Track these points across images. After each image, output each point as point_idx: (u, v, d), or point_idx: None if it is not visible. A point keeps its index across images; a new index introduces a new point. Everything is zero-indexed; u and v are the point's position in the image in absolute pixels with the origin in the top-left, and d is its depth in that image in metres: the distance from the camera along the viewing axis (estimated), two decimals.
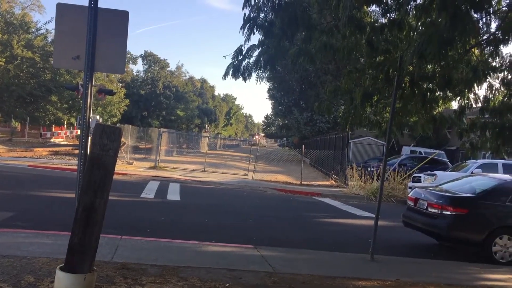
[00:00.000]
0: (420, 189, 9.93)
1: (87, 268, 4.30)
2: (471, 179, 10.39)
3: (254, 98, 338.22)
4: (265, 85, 62.25)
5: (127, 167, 21.60)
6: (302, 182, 22.07)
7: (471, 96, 7.41)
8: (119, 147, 4.52)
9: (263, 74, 7.66)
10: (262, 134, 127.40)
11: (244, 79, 7.00)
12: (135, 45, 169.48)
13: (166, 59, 79.27)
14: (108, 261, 5.65)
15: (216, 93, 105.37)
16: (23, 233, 6.84)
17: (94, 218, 4.33)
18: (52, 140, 38.61)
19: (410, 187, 17.25)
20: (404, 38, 6.94)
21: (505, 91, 7.15)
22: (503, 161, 17.18)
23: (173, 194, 14.31)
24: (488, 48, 7.09)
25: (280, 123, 69.66)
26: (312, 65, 7.39)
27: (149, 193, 13.93)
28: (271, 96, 59.82)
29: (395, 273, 6.78)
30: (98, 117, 35.11)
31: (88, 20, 5.04)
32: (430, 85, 7.42)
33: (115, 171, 4.62)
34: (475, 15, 6.23)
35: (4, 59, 34.40)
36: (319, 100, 9.02)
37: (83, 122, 5.11)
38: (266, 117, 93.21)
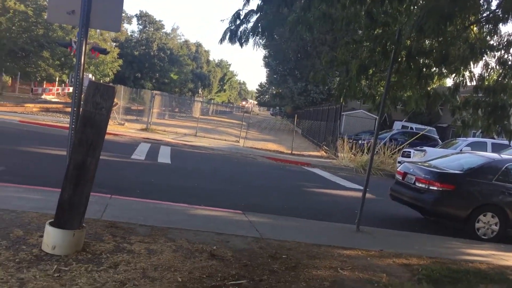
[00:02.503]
0: (409, 164, 10.05)
1: (76, 225, 4.36)
2: (460, 156, 10.51)
3: (249, 66, 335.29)
4: (260, 53, 61.80)
5: (119, 127, 21.52)
6: (293, 152, 22.18)
7: (466, 73, 7.40)
8: (112, 106, 4.50)
9: (260, 41, 7.57)
10: (254, 102, 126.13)
11: (241, 45, 6.90)
12: (131, 4, 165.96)
13: (162, 21, 78.18)
14: (98, 219, 5.70)
15: (211, 58, 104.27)
16: (13, 187, 6.85)
17: (84, 176, 4.35)
18: (43, 96, 38.22)
19: (399, 162, 17.41)
20: (404, 11, 6.86)
21: (501, 70, 7.14)
22: (492, 140, 17.33)
23: (164, 157, 14.34)
24: (487, 26, 7.04)
25: (274, 92, 69.43)
26: (309, 34, 7.31)
27: (140, 154, 13.94)
28: (266, 64, 59.41)
29: (380, 244, 6.92)
30: (90, 75, 34.68)
31: None
32: (427, 61, 7.39)
33: (107, 131, 4.61)
34: None
35: None
36: (314, 70, 8.96)
37: (77, 79, 5.04)
38: (260, 85, 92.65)
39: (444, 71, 7.57)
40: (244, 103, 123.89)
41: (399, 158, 18.60)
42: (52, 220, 4.36)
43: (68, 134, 5.33)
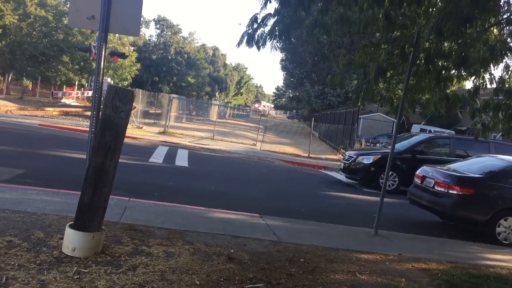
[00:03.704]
0: (428, 167, 9.93)
1: (96, 227, 4.40)
2: (480, 159, 10.34)
3: (266, 69, 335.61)
4: (277, 56, 62.05)
5: (137, 131, 21.74)
6: (310, 155, 22.11)
7: (487, 76, 7.28)
8: (131, 110, 4.55)
9: (277, 44, 7.59)
10: (269, 105, 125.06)
11: (258, 48, 6.91)
12: (149, 9, 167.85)
13: (179, 25, 78.80)
14: (116, 221, 5.76)
15: (228, 62, 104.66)
16: (34, 190, 6.96)
17: (104, 179, 4.40)
18: (62, 100, 38.80)
19: None
20: (423, 13, 6.80)
21: None
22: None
23: (181, 160, 14.42)
24: (507, 27, 6.93)
25: (291, 95, 69.37)
26: (327, 37, 7.30)
27: (157, 157, 14.06)
28: (283, 67, 59.45)
29: (398, 248, 6.86)
30: (109, 79, 35.13)
31: None
32: (446, 63, 7.31)
33: (125, 135, 4.66)
34: None
35: (17, 17, 34.29)
36: (331, 73, 8.97)
37: (96, 83, 5.12)
38: (277, 88, 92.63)
39: (464, 73, 7.47)
40: (256, 105, 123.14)
41: None
42: (72, 222, 4.42)
43: (88, 137, 5.41)
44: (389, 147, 15.69)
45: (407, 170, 13.65)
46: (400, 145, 14.94)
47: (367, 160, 14.19)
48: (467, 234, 9.00)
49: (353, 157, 14.70)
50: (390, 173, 13.86)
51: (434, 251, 7.03)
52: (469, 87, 7.68)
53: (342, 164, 15.25)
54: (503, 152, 13.87)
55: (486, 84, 7.35)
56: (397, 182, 13.88)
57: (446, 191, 8.69)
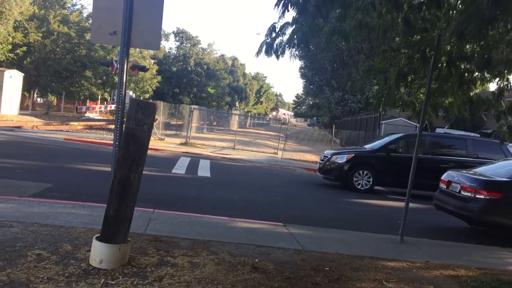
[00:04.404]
0: (453, 172, 9.77)
1: (122, 239, 4.46)
2: (507, 163, 10.13)
3: (285, 77, 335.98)
4: (296, 64, 61.93)
5: (159, 142, 21.96)
6: None
7: (511, 77, 7.18)
8: (153, 122, 4.61)
9: (296, 52, 7.59)
10: (289, 112, 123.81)
11: (277, 57, 6.93)
12: (168, 22, 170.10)
13: (198, 36, 79.68)
14: (142, 233, 5.82)
15: (247, 71, 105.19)
16: (61, 203, 7.08)
17: (129, 191, 4.45)
18: (86, 114, 39.45)
19: None
20: (443, 16, 6.74)
21: None
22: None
23: (204, 170, 14.50)
24: None
25: (311, 102, 69.23)
26: (346, 43, 7.26)
27: (180, 168, 14.16)
28: (303, 75, 59.39)
29: (425, 255, 6.74)
30: (131, 93, 35.62)
31: None
32: (468, 66, 7.21)
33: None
34: None
35: (41, 34, 35.16)
36: (351, 79, 9.00)
37: (119, 97, 5.21)
38: (297, 96, 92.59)
39: (487, 75, 7.36)
40: (274, 113, 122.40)
41: None
42: (99, 235, 4.48)
43: (112, 150, 5.49)
44: (365, 146, 15.64)
45: (381, 169, 13.74)
46: (375, 144, 14.94)
47: (341, 159, 14.09)
48: (496, 239, 8.80)
49: (327, 156, 14.60)
50: (364, 172, 13.79)
51: (462, 257, 6.89)
52: (493, 89, 7.56)
53: (318, 165, 15.15)
54: (480, 148, 13.86)
55: (510, 86, 7.22)
56: (371, 181, 13.77)
57: (473, 195, 8.52)
